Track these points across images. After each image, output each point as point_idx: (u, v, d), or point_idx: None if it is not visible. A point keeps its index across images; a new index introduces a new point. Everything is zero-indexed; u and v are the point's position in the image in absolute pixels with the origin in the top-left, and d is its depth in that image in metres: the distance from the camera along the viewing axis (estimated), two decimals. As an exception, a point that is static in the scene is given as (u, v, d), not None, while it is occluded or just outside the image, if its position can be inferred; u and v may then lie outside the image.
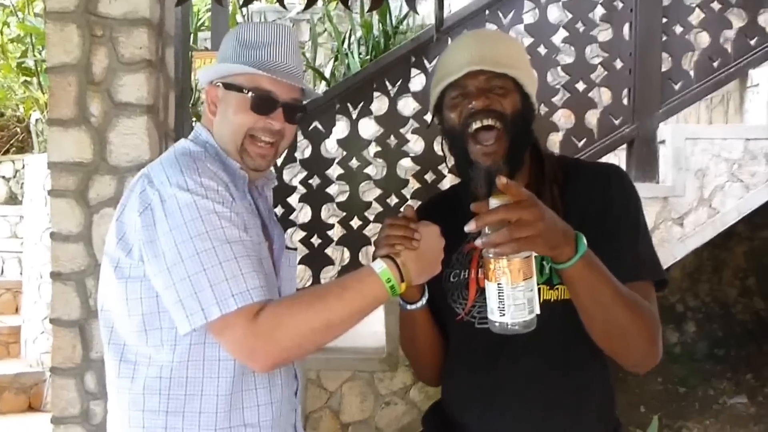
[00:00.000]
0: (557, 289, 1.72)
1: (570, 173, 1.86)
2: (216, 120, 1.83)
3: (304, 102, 1.93)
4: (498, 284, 1.49)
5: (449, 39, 4.26)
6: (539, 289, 1.68)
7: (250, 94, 1.77)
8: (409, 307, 1.82)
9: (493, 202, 1.46)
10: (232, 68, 1.79)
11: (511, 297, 1.48)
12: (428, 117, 4.22)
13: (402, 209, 1.76)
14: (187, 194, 1.63)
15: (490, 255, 1.48)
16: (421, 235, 1.65)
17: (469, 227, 1.48)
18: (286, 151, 4.14)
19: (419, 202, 4.25)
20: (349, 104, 4.30)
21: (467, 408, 1.83)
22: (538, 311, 1.52)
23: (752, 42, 4.51)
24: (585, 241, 1.56)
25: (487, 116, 1.73)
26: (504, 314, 1.50)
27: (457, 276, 1.85)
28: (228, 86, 1.80)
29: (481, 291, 1.70)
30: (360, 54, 6.54)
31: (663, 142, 4.37)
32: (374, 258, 1.67)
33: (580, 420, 1.77)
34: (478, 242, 1.48)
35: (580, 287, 1.60)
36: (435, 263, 1.69)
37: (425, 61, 4.29)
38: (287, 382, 1.82)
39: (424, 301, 1.81)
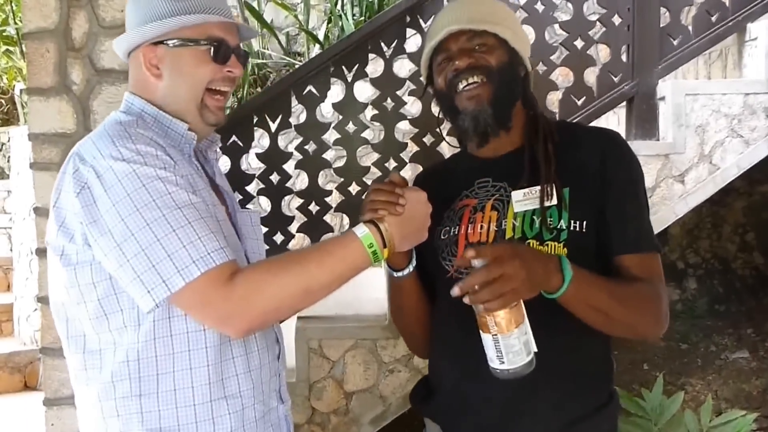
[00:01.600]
0: (547, 245, 1.77)
1: (567, 133, 1.90)
2: (164, 82, 1.74)
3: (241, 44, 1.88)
4: (493, 335, 1.52)
5: (444, -1, 4.26)
6: (529, 245, 1.77)
7: (207, 45, 1.71)
8: (396, 274, 1.84)
9: (475, 262, 1.52)
10: (182, 20, 1.70)
11: (507, 345, 1.52)
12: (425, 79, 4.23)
13: (391, 174, 1.78)
14: (124, 164, 1.55)
15: (481, 309, 1.51)
16: (406, 201, 1.65)
17: (454, 292, 1.51)
18: (280, 117, 4.19)
19: (419, 166, 4.30)
20: (343, 67, 4.28)
21: (452, 370, 1.85)
22: (535, 349, 1.56)
23: (751, -6, 4.50)
24: (569, 264, 1.60)
25: (471, 74, 1.80)
26: (503, 362, 1.53)
27: (447, 233, 1.89)
28: (176, 43, 1.72)
29: (470, 246, 1.75)
30: (354, 15, 6.51)
31: (663, 98, 4.39)
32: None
33: (570, 388, 1.76)
34: (466, 300, 1.51)
35: (576, 305, 1.65)
36: (421, 230, 1.70)
37: (421, 21, 4.27)
38: (267, 346, 1.79)
39: (410, 268, 1.83)
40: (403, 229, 1.65)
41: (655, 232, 4.31)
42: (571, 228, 1.78)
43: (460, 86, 1.80)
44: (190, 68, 1.72)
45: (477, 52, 1.81)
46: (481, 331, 1.54)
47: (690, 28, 4.47)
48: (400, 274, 1.84)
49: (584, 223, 1.78)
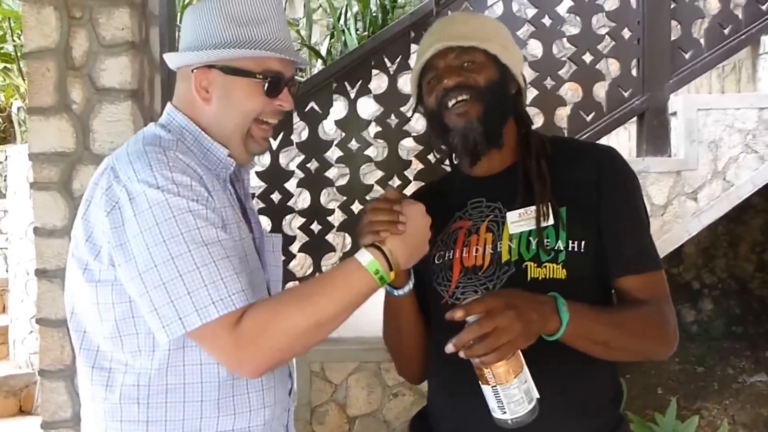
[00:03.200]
0: (545, 267, 1.75)
1: (561, 150, 1.88)
2: (212, 107, 1.73)
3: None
4: (492, 387, 1.51)
5: (449, 12, 4.27)
6: (527, 267, 1.75)
7: (262, 78, 1.71)
8: (396, 293, 1.81)
9: (469, 319, 1.50)
10: (242, 53, 1.70)
11: (507, 396, 1.51)
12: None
13: (386, 191, 1.74)
14: (158, 192, 1.55)
15: (477, 363, 1.50)
16: (406, 217, 1.63)
17: (448, 349, 1.50)
18: (281, 135, 4.21)
19: (423, 184, 4.29)
20: (346, 83, 4.30)
21: (450, 404, 1.82)
22: (537, 395, 1.54)
23: (764, 7, 4.54)
24: (565, 305, 1.58)
25: (460, 92, 1.78)
26: (505, 412, 1.52)
27: (441, 257, 1.86)
28: (231, 71, 1.71)
29: (465, 271, 1.81)
30: (357, 30, 6.53)
31: (674, 113, 4.39)
32: (360, 246, 1.64)
33: (575, 414, 1.75)
34: (462, 354, 1.49)
35: (577, 342, 1.63)
36: (423, 244, 1.68)
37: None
38: (281, 382, 1.79)
39: (411, 285, 1.80)
40: (406, 246, 1.63)
41: (669, 251, 4.35)
42: (570, 249, 1.76)
43: (450, 104, 1.79)
44: (241, 99, 1.72)
45: (465, 69, 1.79)
46: (480, 383, 1.53)
47: (702, 41, 4.49)
48: (400, 292, 1.81)
49: (582, 243, 1.76)
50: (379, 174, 4.39)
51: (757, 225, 6.30)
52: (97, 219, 1.60)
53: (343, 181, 4.46)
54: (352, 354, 4.17)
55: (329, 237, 4.35)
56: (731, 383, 5.54)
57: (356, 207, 4.30)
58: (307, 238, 4.30)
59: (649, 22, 4.41)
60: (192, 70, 1.73)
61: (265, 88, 1.71)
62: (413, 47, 4.37)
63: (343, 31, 6.51)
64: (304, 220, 4.32)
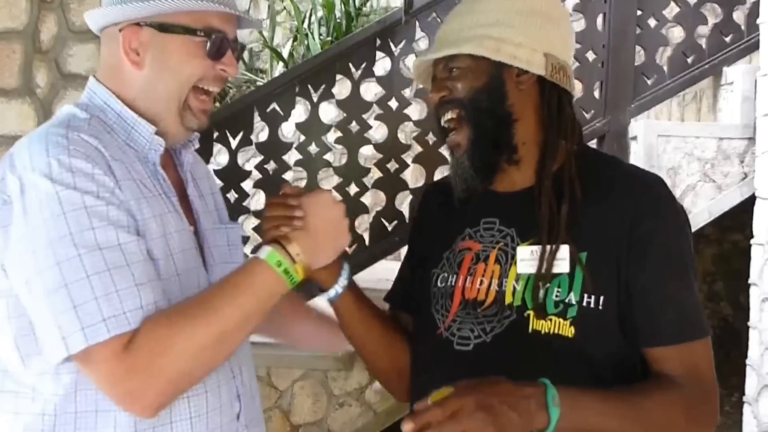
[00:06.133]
0: (550, 320, 1.52)
1: (593, 172, 1.60)
2: (144, 72, 1.49)
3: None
4: None
5: (417, 22, 4.33)
6: (528, 316, 1.53)
7: (203, 36, 1.48)
8: (324, 296, 1.64)
9: (430, 404, 1.33)
10: (178, 5, 1.46)
11: None
12: (392, 103, 4.30)
13: (282, 186, 1.60)
14: (49, 183, 1.32)
15: None
16: (305, 211, 1.47)
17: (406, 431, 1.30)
18: (241, 134, 4.22)
19: (380, 193, 4.34)
20: (309, 86, 4.33)
21: None
22: None
23: (727, 39, 4.66)
24: (555, 398, 1.36)
25: (446, 109, 1.63)
26: None
27: (444, 281, 1.67)
28: (166, 27, 1.47)
29: (464, 304, 1.61)
30: (321, 35, 6.58)
31: (635, 138, 4.50)
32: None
33: None
34: None
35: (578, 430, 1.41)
36: (336, 236, 1.53)
37: (391, 45, 4.34)
38: (221, 407, 1.53)
39: (340, 287, 1.62)
40: (311, 240, 1.47)
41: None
42: (584, 303, 1.50)
43: (442, 122, 1.64)
44: (179, 61, 1.48)
45: (451, 79, 1.61)
46: None
47: (665, 68, 4.60)
48: (327, 295, 1.63)
49: (601, 298, 1.50)
50: (336, 180, 4.42)
51: (709, 255, 6.45)
52: None
53: (299, 185, 4.49)
54: (299, 360, 4.18)
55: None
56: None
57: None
58: (261, 240, 4.30)
59: (614, 46, 4.52)
60: (120, 30, 1.49)
61: (207, 48, 1.49)
62: (379, 55, 4.43)
63: (307, 35, 6.55)
64: (258, 221, 4.32)
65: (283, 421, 4.18)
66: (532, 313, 1.51)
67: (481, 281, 1.61)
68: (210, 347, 1.36)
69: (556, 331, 1.49)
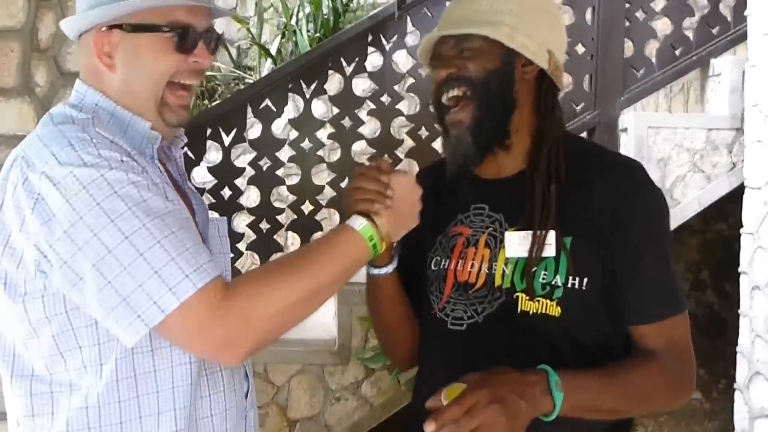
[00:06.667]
0: (538, 301, 1.62)
1: (579, 159, 1.69)
2: (118, 74, 1.52)
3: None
4: None
5: (409, 18, 4.34)
6: (518, 298, 1.63)
7: (169, 32, 1.50)
8: (375, 271, 1.72)
9: (444, 402, 1.42)
10: (138, 3, 1.48)
11: None
12: (385, 98, 4.31)
13: (378, 161, 1.67)
14: (90, 169, 1.35)
15: None
16: (394, 190, 1.55)
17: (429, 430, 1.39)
18: (234, 131, 4.21)
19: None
20: (302, 82, 4.33)
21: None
22: None
23: (714, 31, 4.70)
24: (558, 383, 1.47)
25: (452, 85, 1.66)
26: None
27: (438, 264, 1.77)
28: (133, 28, 1.49)
29: (457, 286, 1.71)
30: (308, 31, 6.57)
31: (624, 130, 4.53)
32: (348, 214, 1.56)
33: None
34: None
35: (577, 414, 1.52)
36: (411, 217, 1.61)
37: (383, 40, 4.35)
38: (235, 385, 1.60)
39: (393, 266, 1.72)
40: (395, 219, 1.55)
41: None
42: (569, 285, 1.60)
43: (443, 99, 1.68)
44: (149, 59, 1.51)
45: (461, 58, 1.65)
46: None
47: (654, 60, 4.63)
48: (380, 271, 1.71)
49: (585, 280, 1.60)
50: (331, 175, 4.43)
51: (694, 244, 6.49)
52: (14, 221, 1.39)
53: (292, 181, 4.50)
54: (296, 356, 4.20)
55: (277, 236, 4.37)
56: (666, 400, 5.68)
57: (306, 207, 4.34)
58: (255, 236, 4.32)
59: (603, 39, 4.55)
60: (91, 36, 1.53)
61: (175, 42, 1.51)
62: (370, 50, 4.43)
63: (295, 31, 6.54)
64: (252, 218, 4.33)
65: (281, 417, 4.19)
66: (521, 295, 1.62)
67: (472, 264, 1.71)
68: (300, 304, 1.43)
69: (543, 311, 1.61)
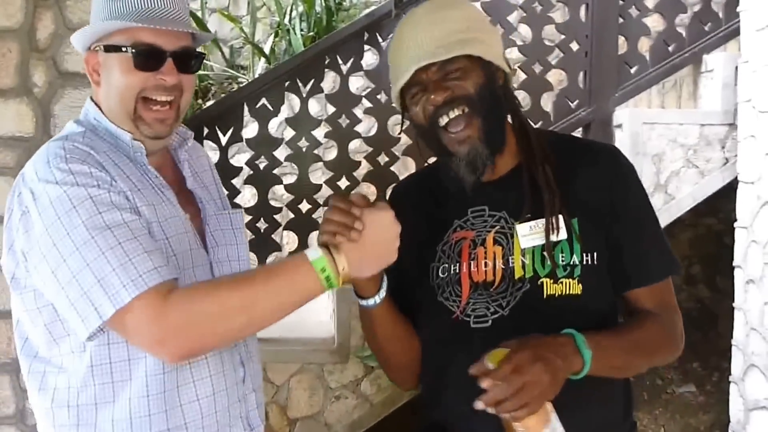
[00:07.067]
0: (561, 282, 1.72)
1: (564, 151, 1.82)
2: (102, 90, 1.71)
3: (198, 49, 1.78)
4: None
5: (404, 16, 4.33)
6: (543, 283, 1.72)
7: (130, 51, 1.64)
8: (363, 303, 1.75)
9: (490, 365, 1.50)
10: (104, 26, 1.66)
11: None
12: (381, 96, 4.31)
13: (352, 193, 1.67)
14: (56, 187, 1.53)
15: (507, 418, 1.50)
16: (364, 225, 1.53)
17: (477, 406, 1.48)
18: (231, 130, 4.21)
19: (371, 186, 4.35)
20: (298, 81, 4.33)
21: (469, 417, 1.66)
22: None
23: (706, 27, 4.73)
24: (585, 343, 1.59)
25: (451, 107, 1.70)
26: None
27: (446, 271, 1.80)
28: (105, 48, 1.67)
29: (475, 286, 1.75)
30: (302, 30, 6.56)
31: (619, 126, 4.56)
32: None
33: (596, 426, 1.74)
34: (491, 410, 1.48)
35: (597, 371, 1.62)
36: (387, 253, 1.59)
37: (379, 38, 4.35)
38: (224, 371, 1.71)
39: (378, 298, 1.73)
40: (360, 254, 1.54)
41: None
42: (584, 262, 1.73)
43: (442, 122, 1.71)
44: (117, 76, 1.66)
45: (451, 80, 1.70)
46: None
47: (647, 56, 4.65)
48: (366, 303, 1.74)
49: (595, 254, 1.74)
50: (328, 173, 4.43)
51: (685, 239, 6.52)
52: (14, 225, 1.60)
53: (289, 180, 4.49)
54: (295, 355, 4.19)
55: (275, 235, 4.37)
56: (660, 394, 5.72)
57: (304, 206, 4.34)
58: (253, 236, 4.31)
59: (597, 35, 4.57)
60: (87, 55, 1.74)
61: (137, 61, 1.64)
62: (367, 48, 4.44)
63: (288, 30, 6.53)
64: (250, 217, 4.32)
65: (281, 416, 4.19)
66: (546, 279, 1.73)
67: (486, 263, 1.77)
68: (236, 319, 1.50)
69: (567, 292, 1.72)
